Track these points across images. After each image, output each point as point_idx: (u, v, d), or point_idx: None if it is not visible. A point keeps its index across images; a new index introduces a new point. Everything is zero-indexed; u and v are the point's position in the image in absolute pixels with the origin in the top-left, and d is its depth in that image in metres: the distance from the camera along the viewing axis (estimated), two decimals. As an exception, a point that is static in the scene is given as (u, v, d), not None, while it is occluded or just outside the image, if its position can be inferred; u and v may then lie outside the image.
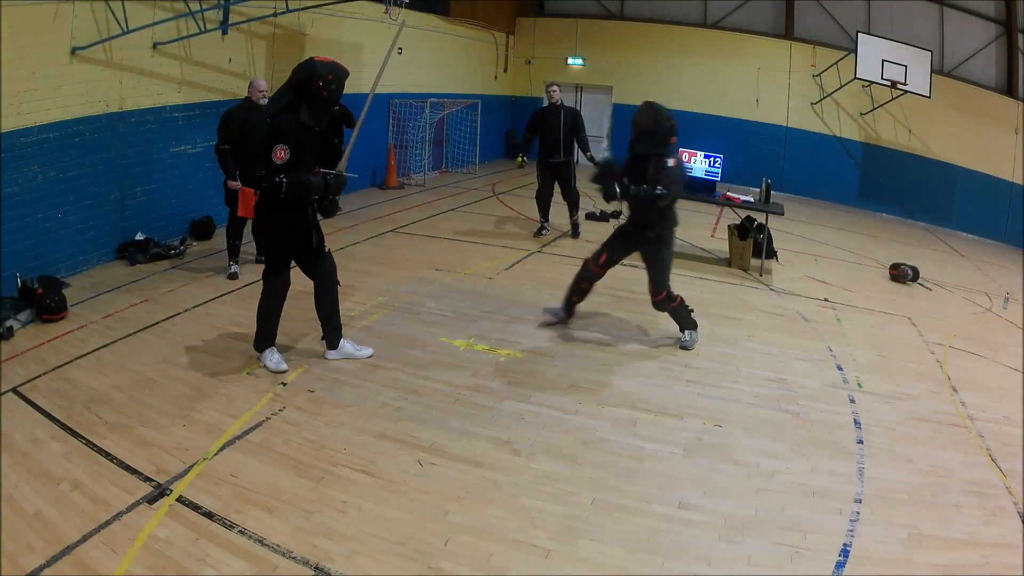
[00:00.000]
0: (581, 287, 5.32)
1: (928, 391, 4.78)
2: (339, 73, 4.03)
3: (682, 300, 5.14)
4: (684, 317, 5.18)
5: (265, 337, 4.41)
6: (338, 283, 4.49)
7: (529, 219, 9.02)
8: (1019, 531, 3.21)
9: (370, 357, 4.63)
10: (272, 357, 4.39)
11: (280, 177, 3.98)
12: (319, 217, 4.42)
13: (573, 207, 8.22)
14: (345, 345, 4.61)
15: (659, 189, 4.69)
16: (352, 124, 8.43)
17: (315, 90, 3.95)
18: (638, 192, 4.75)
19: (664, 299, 5.05)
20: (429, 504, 3.16)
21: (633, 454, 3.69)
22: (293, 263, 4.42)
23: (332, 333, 4.56)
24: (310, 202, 4.27)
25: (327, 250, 4.46)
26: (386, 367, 4.54)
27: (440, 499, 3.20)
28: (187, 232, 7.31)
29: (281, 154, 3.95)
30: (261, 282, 4.40)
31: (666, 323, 5.63)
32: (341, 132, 8.63)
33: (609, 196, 4.82)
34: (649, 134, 4.79)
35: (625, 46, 14.50)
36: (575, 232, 8.28)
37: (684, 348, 5.14)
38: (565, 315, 5.43)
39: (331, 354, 4.59)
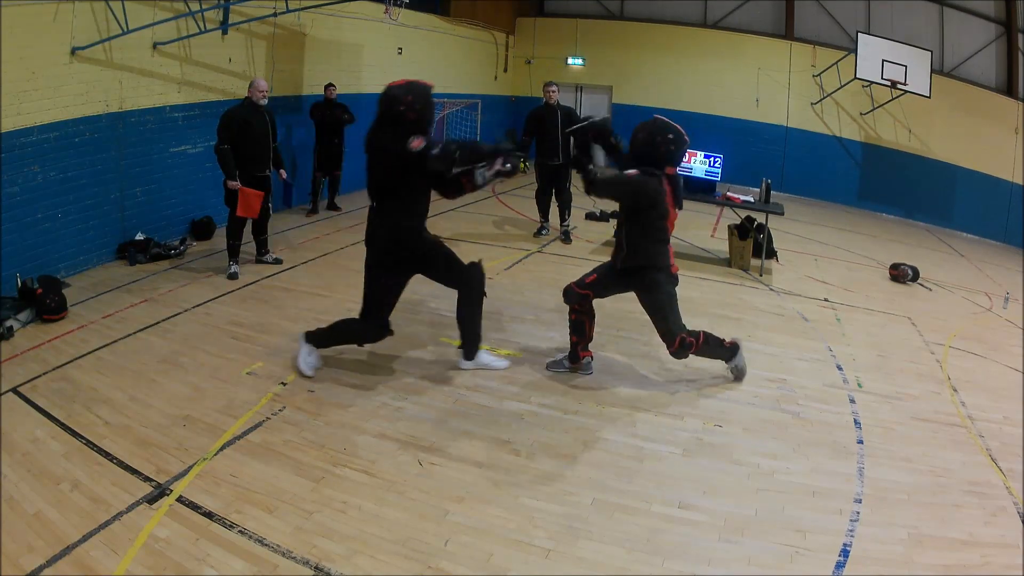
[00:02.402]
0: (572, 319, 4.48)
1: (928, 391, 4.78)
2: (419, 91, 3.91)
3: (705, 337, 4.33)
4: (717, 352, 4.45)
5: (320, 342, 4.34)
6: (484, 295, 4.41)
7: (529, 219, 9.02)
8: (1019, 531, 3.21)
9: (506, 368, 4.58)
10: (310, 359, 4.31)
11: (435, 152, 3.78)
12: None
13: (565, 210, 8.18)
14: (482, 356, 4.55)
15: (594, 174, 3.97)
16: (351, 120, 8.48)
17: (398, 114, 3.85)
18: (585, 166, 4.05)
19: (679, 348, 4.22)
20: (429, 504, 3.16)
21: (633, 454, 3.69)
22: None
23: (468, 344, 4.50)
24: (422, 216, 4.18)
25: (473, 261, 4.39)
26: (386, 367, 4.54)
27: (440, 499, 3.20)
28: (187, 232, 7.31)
29: (417, 143, 3.78)
30: (362, 308, 4.27)
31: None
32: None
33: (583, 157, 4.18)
34: (641, 154, 4.09)
35: (625, 46, 14.48)
36: (566, 238, 8.24)
37: (738, 378, 4.56)
38: (569, 364, 4.59)
39: (465, 364, 4.54)
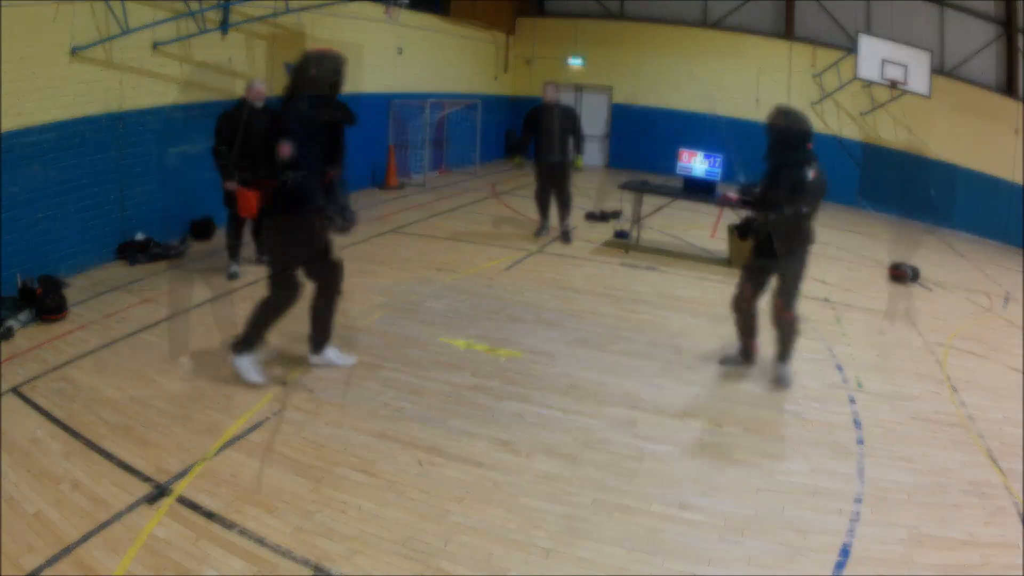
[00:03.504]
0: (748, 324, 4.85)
1: (928, 391, 4.78)
2: (330, 55, 3.97)
3: (798, 328, 4.67)
4: (788, 347, 4.63)
5: (249, 346, 4.18)
6: (339, 292, 4.36)
7: (529, 219, 9.02)
8: (1019, 531, 3.21)
9: (352, 365, 4.49)
10: (247, 364, 4.16)
11: (286, 175, 3.84)
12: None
13: (565, 210, 8.16)
14: (328, 352, 4.46)
15: (803, 208, 4.30)
16: (352, 121, 8.44)
17: (310, 76, 3.88)
18: (771, 225, 4.44)
19: (792, 317, 4.57)
20: (429, 504, 3.16)
21: (633, 454, 3.68)
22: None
23: (319, 337, 4.41)
24: (317, 208, 4.09)
25: (336, 257, 4.31)
26: (386, 367, 4.54)
27: (440, 499, 3.20)
28: (187, 232, 7.31)
29: (285, 150, 3.82)
30: (266, 284, 4.23)
31: (665, 322, 5.64)
32: (342, 131, 8.63)
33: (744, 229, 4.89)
34: (780, 141, 4.36)
35: (625, 46, 14.49)
36: (566, 238, 8.24)
37: (783, 384, 4.60)
38: (743, 359, 4.92)
39: (313, 358, 4.47)
